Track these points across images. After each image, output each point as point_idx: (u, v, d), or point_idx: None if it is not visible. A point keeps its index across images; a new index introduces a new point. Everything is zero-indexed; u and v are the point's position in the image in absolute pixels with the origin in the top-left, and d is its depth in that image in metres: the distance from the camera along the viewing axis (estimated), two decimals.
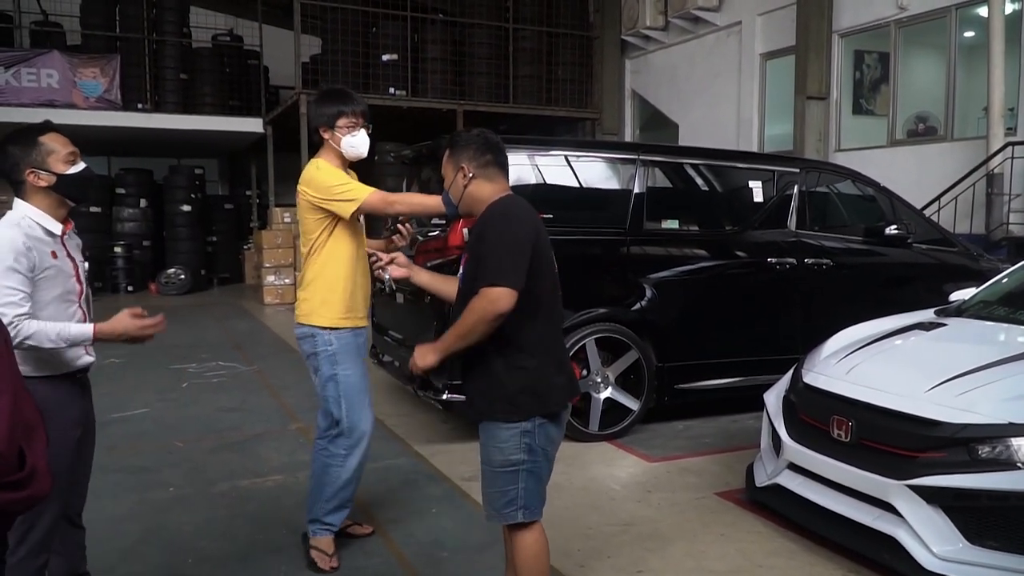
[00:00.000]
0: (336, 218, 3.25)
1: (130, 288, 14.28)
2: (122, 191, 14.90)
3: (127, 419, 5.65)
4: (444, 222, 4.71)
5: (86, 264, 2.67)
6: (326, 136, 3.28)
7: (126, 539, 3.60)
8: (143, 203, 14.98)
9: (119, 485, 4.28)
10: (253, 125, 14.48)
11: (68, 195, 2.52)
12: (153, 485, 4.33)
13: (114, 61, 13.64)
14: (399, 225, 3.46)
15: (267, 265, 12.71)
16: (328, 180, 3.22)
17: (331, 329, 3.27)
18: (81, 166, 2.54)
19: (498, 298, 2.39)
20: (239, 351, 8.41)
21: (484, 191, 2.63)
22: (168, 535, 3.66)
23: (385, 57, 12.92)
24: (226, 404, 6.12)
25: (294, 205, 11.78)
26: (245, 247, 16.14)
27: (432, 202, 3.25)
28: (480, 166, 2.63)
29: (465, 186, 2.63)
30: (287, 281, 12.76)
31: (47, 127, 2.53)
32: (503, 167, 2.68)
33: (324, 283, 3.29)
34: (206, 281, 15.48)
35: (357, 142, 3.29)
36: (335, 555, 3.33)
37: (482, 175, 2.63)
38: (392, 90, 12.80)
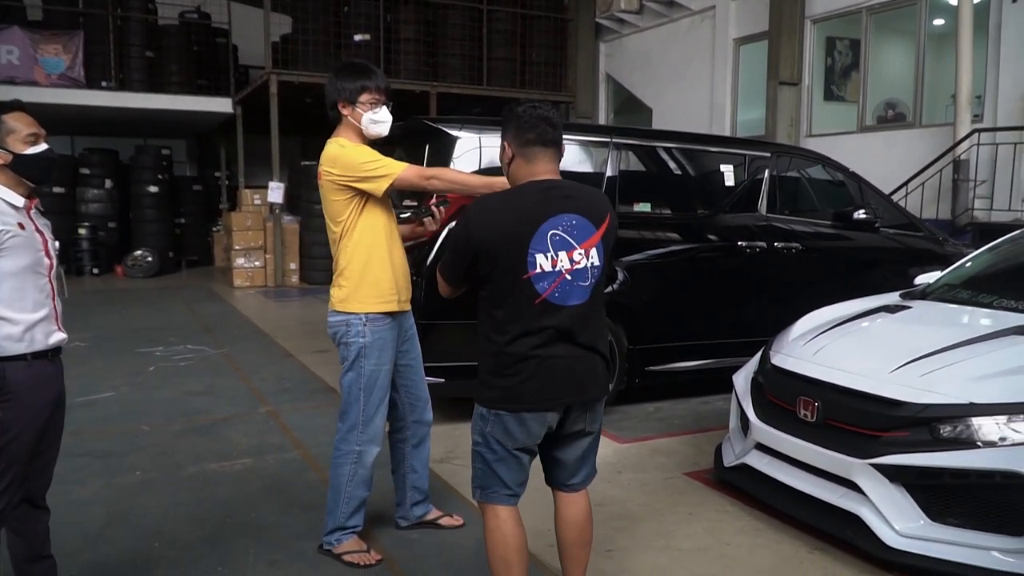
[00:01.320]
0: (365, 197, 3.11)
1: (95, 271, 14.05)
2: (86, 171, 14.61)
3: (93, 403, 5.58)
4: (416, 204, 4.67)
5: (56, 243, 2.63)
6: (345, 112, 3.14)
7: (92, 523, 3.56)
8: (108, 184, 14.72)
9: (85, 469, 4.23)
10: (222, 105, 14.28)
11: (25, 175, 2.48)
12: (119, 469, 4.28)
13: (77, 37, 13.37)
14: (433, 207, 3.31)
15: (237, 247, 12.57)
16: (357, 157, 3.07)
17: (368, 316, 3.13)
18: (41, 147, 2.49)
19: (439, 282, 2.61)
20: (208, 334, 8.32)
21: (519, 173, 2.50)
22: (135, 519, 3.62)
23: (357, 37, 12.78)
24: (194, 388, 6.06)
25: (264, 186, 11.63)
26: (214, 229, 15.97)
27: (475, 180, 3.11)
28: (520, 145, 2.47)
29: (507, 166, 2.54)
30: (257, 264, 12.65)
31: (14, 106, 2.50)
32: (547, 145, 2.47)
33: (359, 267, 3.14)
34: (174, 264, 15.28)
35: (379, 118, 3.14)
36: (370, 547, 3.27)
37: (520, 155, 2.48)
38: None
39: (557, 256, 2.37)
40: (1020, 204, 8.32)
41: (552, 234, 2.37)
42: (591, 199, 2.50)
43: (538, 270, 2.36)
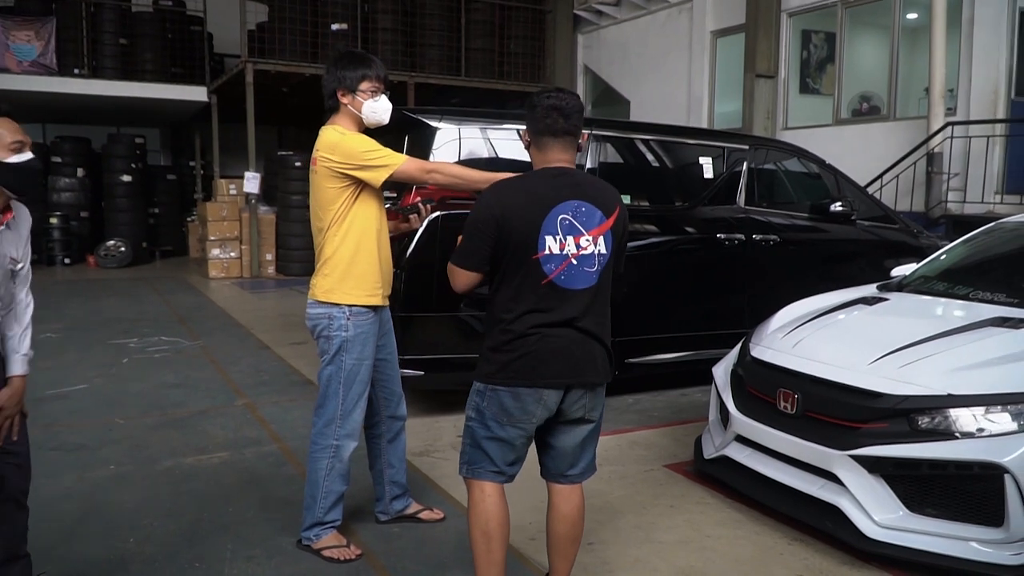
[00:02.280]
0: (359, 187, 3.08)
1: (67, 260, 13.85)
2: (58, 160, 14.36)
3: (65, 395, 5.49)
4: (395, 195, 4.63)
5: (20, 266, 2.51)
6: (345, 101, 3.11)
7: (66, 519, 3.50)
8: (80, 172, 14.48)
9: (57, 463, 4.15)
10: (197, 94, 14.10)
11: (7, 185, 2.37)
12: (93, 463, 4.20)
13: (49, 24, 13.13)
14: (420, 204, 3.30)
15: (212, 238, 12.43)
16: (358, 145, 3.04)
17: (351, 308, 3.10)
18: (26, 156, 2.38)
19: (451, 273, 2.60)
20: (183, 326, 8.23)
21: (535, 161, 2.59)
22: (110, 514, 3.56)
23: (335, 26, 12.66)
24: (169, 380, 5.98)
25: (240, 176, 11.52)
26: (189, 219, 15.78)
27: (476, 175, 3.12)
28: (536, 133, 2.56)
29: (529, 152, 2.64)
30: (233, 254, 12.52)
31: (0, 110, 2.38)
32: (557, 135, 2.53)
33: (346, 257, 3.10)
34: (148, 254, 15.09)
35: (380, 107, 3.13)
36: (350, 541, 3.25)
37: (535, 143, 2.58)
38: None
39: (565, 240, 2.45)
40: (993, 197, 8.45)
41: (562, 218, 2.45)
42: (602, 189, 2.57)
43: (547, 251, 2.44)
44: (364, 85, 3.11)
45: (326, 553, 3.18)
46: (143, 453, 4.36)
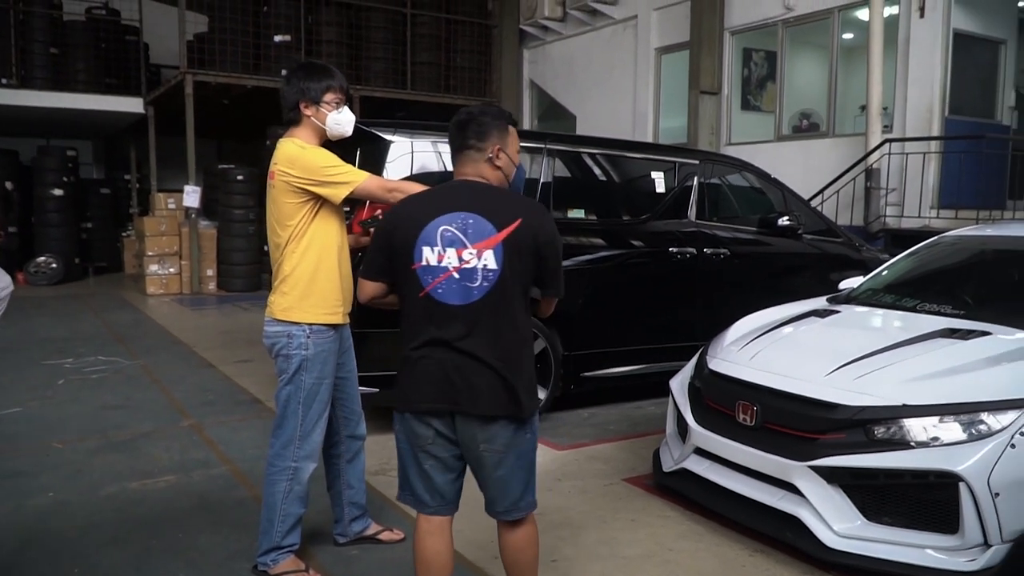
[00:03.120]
0: (319, 203, 2.99)
1: None
2: None
3: None
4: (348, 209, 4.54)
5: None
6: (309, 112, 3.03)
7: (3, 550, 3.32)
8: (9, 186, 13.91)
9: None
10: (132, 105, 13.74)
11: None
12: (31, 490, 4.00)
13: None
14: (381, 217, 3.20)
15: (150, 254, 12.07)
16: (318, 160, 2.96)
17: (311, 327, 3.01)
18: None
19: (359, 285, 2.57)
20: (121, 344, 7.95)
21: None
22: (51, 543, 3.39)
23: (278, 38, 12.49)
24: (109, 401, 5.76)
25: (179, 190, 11.21)
26: (124, 234, 15.31)
27: None
28: (452, 151, 2.54)
29: None
30: (172, 270, 12.19)
31: None
32: (459, 150, 2.50)
33: (306, 275, 3.02)
34: (81, 270, 14.57)
35: (343, 119, 3.07)
36: (308, 565, 3.15)
37: (453, 160, 2.54)
38: (285, 72, 12.34)
39: (445, 252, 2.35)
40: (928, 211, 8.72)
41: (443, 229, 2.36)
42: (499, 202, 2.40)
43: (424, 263, 2.36)
44: (328, 96, 3.05)
45: None
46: (84, 479, 4.17)
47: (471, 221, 2.35)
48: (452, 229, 2.36)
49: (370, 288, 2.52)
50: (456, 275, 2.34)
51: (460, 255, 2.34)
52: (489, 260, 2.34)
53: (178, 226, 12.27)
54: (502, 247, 2.34)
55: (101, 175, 17.72)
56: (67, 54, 13.68)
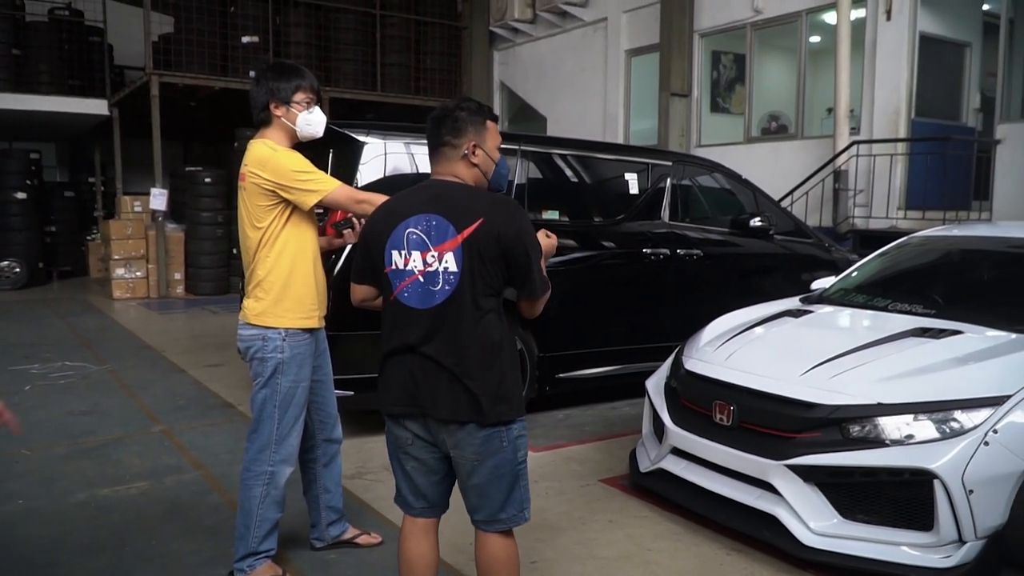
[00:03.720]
0: (292, 206, 2.96)
1: None
2: None
3: None
4: (321, 212, 4.50)
5: None
6: (278, 113, 2.99)
7: None
8: None
9: None
10: (96, 107, 13.51)
11: None
12: (0, 498, 3.93)
13: None
14: (354, 219, 3.18)
15: (116, 257, 11.87)
16: (288, 164, 2.91)
17: (287, 331, 2.98)
18: None
19: (351, 289, 2.54)
20: (88, 349, 7.80)
21: None
22: (21, 552, 3.32)
23: (245, 39, 12.36)
24: (77, 407, 5.65)
25: (145, 193, 11.03)
26: (89, 238, 15.05)
27: None
28: (429, 149, 2.46)
29: None
30: (139, 274, 12.00)
31: None
32: (433, 148, 2.42)
33: (280, 280, 2.98)
34: (45, 275, 14.26)
35: (314, 119, 3.03)
36: (285, 571, 3.12)
37: (430, 158, 2.47)
38: (252, 74, 12.21)
39: (411, 255, 2.31)
40: (896, 212, 8.85)
41: (409, 232, 2.32)
42: (464, 201, 2.31)
43: (393, 267, 2.34)
44: (299, 96, 3.01)
45: None
46: (55, 486, 4.09)
47: (434, 223, 2.29)
48: (417, 231, 2.31)
49: (359, 291, 2.51)
50: (421, 279, 2.30)
51: (424, 258, 2.29)
52: (450, 263, 2.26)
53: (145, 229, 12.08)
54: (462, 249, 2.25)
55: (65, 178, 17.39)
56: (30, 55, 13.42)
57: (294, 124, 3.02)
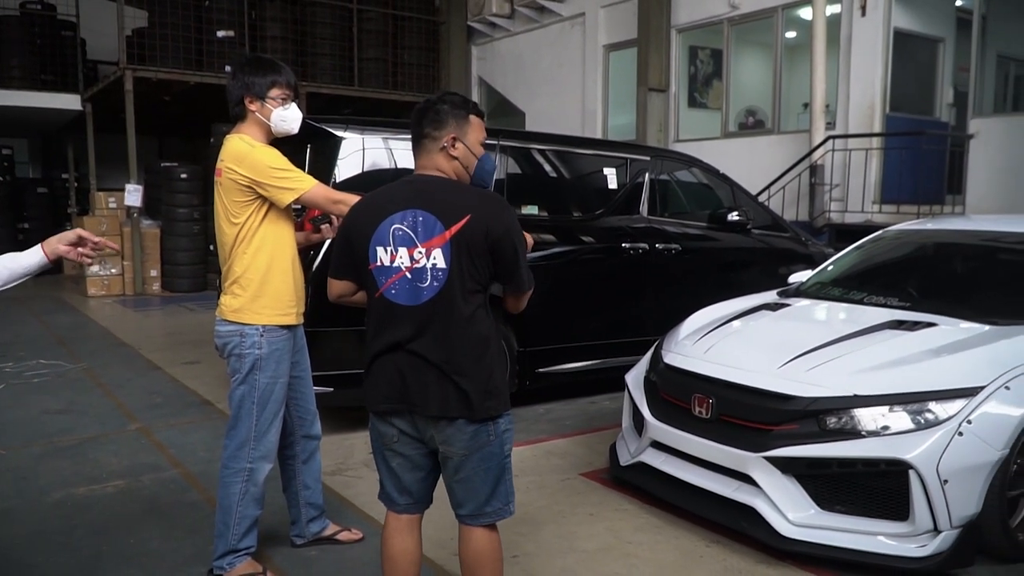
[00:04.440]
0: (269, 202, 2.94)
1: None
2: None
3: None
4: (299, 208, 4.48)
5: None
6: (253, 108, 2.96)
7: None
8: None
9: None
10: (70, 102, 13.35)
11: None
12: None
13: None
14: (333, 215, 3.16)
15: None
16: (266, 160, 2.89)
17: (265, 328, 2.96)
18: None
19: (328, 284, 2.51)
20: (63, 347, 7.71)
21: None
22: None
23: (220, 33, 12.22)
24: (53, 406, 5.58)
25: (120, 189, 10.94)
26: None
27: None
28: (412, 142, 2.42)
29: None
30: (114, 271, 11.88)
31: None
32: (416, 140, 2.39)
33: (257, 276, 2.95)
34: None
35: (290, 115, 3.00)
36: (266, 568, 3.10)
37: (413, 152, 2.43)
38: (228, 68, 12.09)
39: (397, 251, 2.29)
40: (871, 206, 8.95)
41: (395, 228, 2.29)
42: (450, 197, 2.30)
43: (378, 263, 2.31)
44: (274, 92, 2.99)
45: None
46: (30, 485, 4.04)
47: (421, 219, 2.27)
48: (404, 227, 2.28)
49: (337, 287, 2.48)
50: (408, 275, 2.28)
51: (411, 254, 2.27)
52: (438, 259, 2.25)
53: (120, 226, 11.96)
54: (450, 245, 2.24)
55: (38, 174, 17.17)
56: (1, 50, 13.25)
57: (268, 120, 3.00)
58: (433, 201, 2.28)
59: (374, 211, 2.35)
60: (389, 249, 2.29)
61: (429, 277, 2.26)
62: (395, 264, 2.29)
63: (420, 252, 2.26)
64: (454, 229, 2.24)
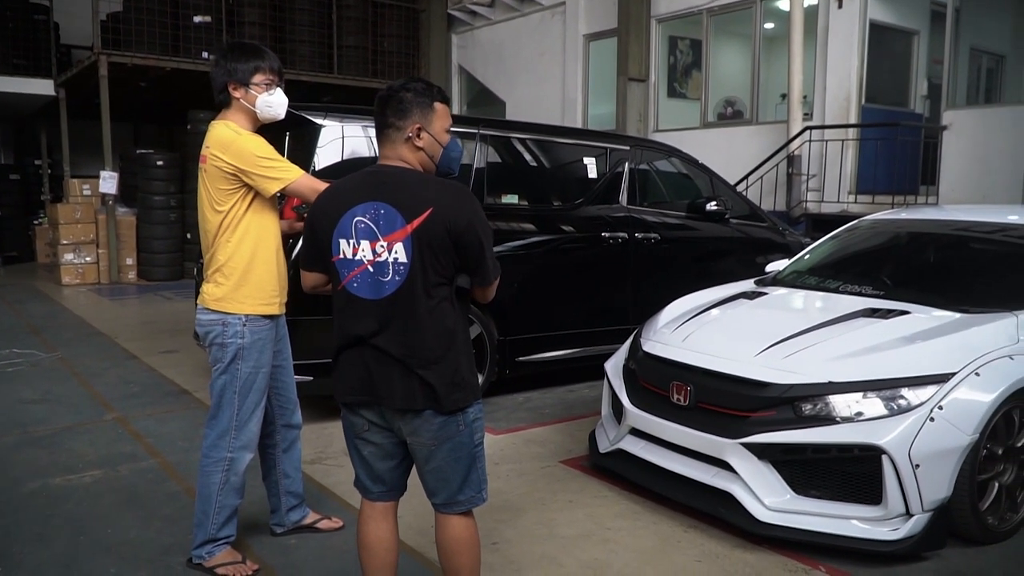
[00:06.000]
0: (254, 190, 2.92)
1: None
2: None
3: None
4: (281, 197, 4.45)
5: None
6: (237, 95, 2.94)
7: None
8: None
9: None
10: (42, 87, 13.13)
11: None
12: None
13: None
14: None
15: (65, 242, 11.59)
16: (251, 148, 2.87)
17: (247, 317, 2.95)
18: None
19: (300, 275, 2.48)
20: (37, 336, 7.63)
21: None
22: None
23: (197, 19, 12.08)
24: (27, 396, 5.53)
25: (95, 176, 10.81)
26: (36, 222, 14.67)
27: None
28: (376, 131, 2.36)
29: None
30: (88, 259, 11.74)
31: None
32: (380, 130, 2.32)
33: (241, 265, 2.94)
34: None
35: (275, 101, 2.97)
36: (245, 557, 3.10)
37: (377, 141, 2.37)
38: (205, 55, 11.98)
39: (359, 244, 2.25)
40: (847, 196, 9.04)
41: (357, 221, 2.25)
42: (412, 190, 2.24)
43: (341, 256, 2.28)
44: (258, 78, 2.97)
45: (220, 571, 3.02)
46: (4, 475, 4.01)
47: (383, 212, 2.23)
48: (366, 220, 2.24)
49: (310, 279, 2.45)
50: (370, 269, 2.24)
51: (374, 248, 2.23)
52: (399, 253, 2.21)
53: (94, 213, 11.81)
54: (412, 240, 2.20)
55: (10, 160, 16.89)
56: None
57: (253, 106, 2.97)
58: (395, 194, 2.24)
59: (337, 202, 2.31)
60: (351, 242, 2.26)
61: (391, 271, 2.23)
62: (357, 257, 2.26)
63: (382, 246, 2.23)
64: (415, 223, 2.20)
